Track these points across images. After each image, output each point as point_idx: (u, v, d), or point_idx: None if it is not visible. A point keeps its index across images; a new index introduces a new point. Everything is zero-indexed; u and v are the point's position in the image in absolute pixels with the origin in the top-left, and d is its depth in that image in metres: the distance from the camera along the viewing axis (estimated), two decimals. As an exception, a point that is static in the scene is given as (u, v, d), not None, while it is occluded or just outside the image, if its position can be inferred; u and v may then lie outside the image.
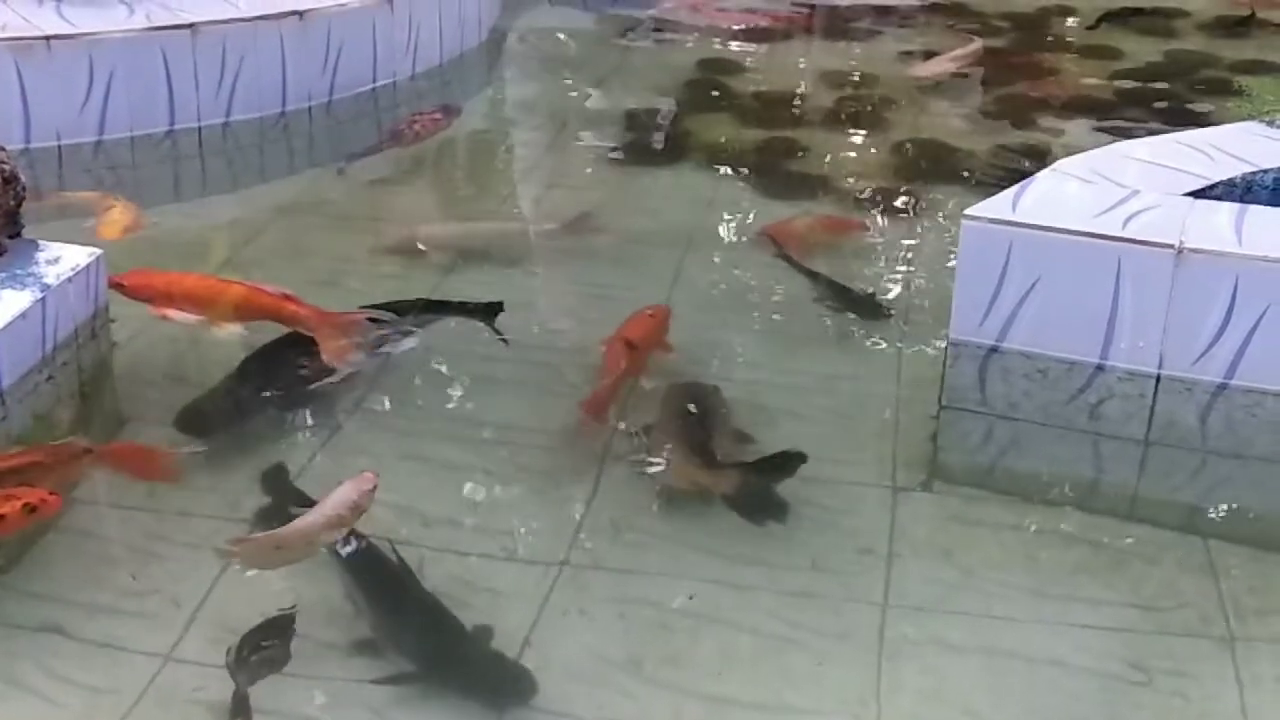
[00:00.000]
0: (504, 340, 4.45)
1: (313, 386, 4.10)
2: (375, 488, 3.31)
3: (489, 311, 4.53)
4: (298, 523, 3.29)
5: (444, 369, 4.37)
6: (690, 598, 3.32)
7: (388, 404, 4.15)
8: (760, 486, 3.69)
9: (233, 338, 4.26)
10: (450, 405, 4.18)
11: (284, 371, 4.14)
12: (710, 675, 3.11)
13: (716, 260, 5.21)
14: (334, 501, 3.28)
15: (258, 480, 3.68)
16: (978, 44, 7.53)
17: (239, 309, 4.21)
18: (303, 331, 4.18)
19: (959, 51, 7.40)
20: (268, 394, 4.06)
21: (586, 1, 8.52)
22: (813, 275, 4.94)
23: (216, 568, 3.35)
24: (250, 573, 3.34)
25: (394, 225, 5.33)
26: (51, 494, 3.22)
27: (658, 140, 6.43)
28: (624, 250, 5.35)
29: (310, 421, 4.01)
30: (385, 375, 4.28)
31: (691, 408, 4.00)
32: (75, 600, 3.25)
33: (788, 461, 3.75)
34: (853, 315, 4.71)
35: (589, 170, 6.17)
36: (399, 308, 4.48)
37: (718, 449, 3.82)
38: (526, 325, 4.67)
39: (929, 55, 7.57)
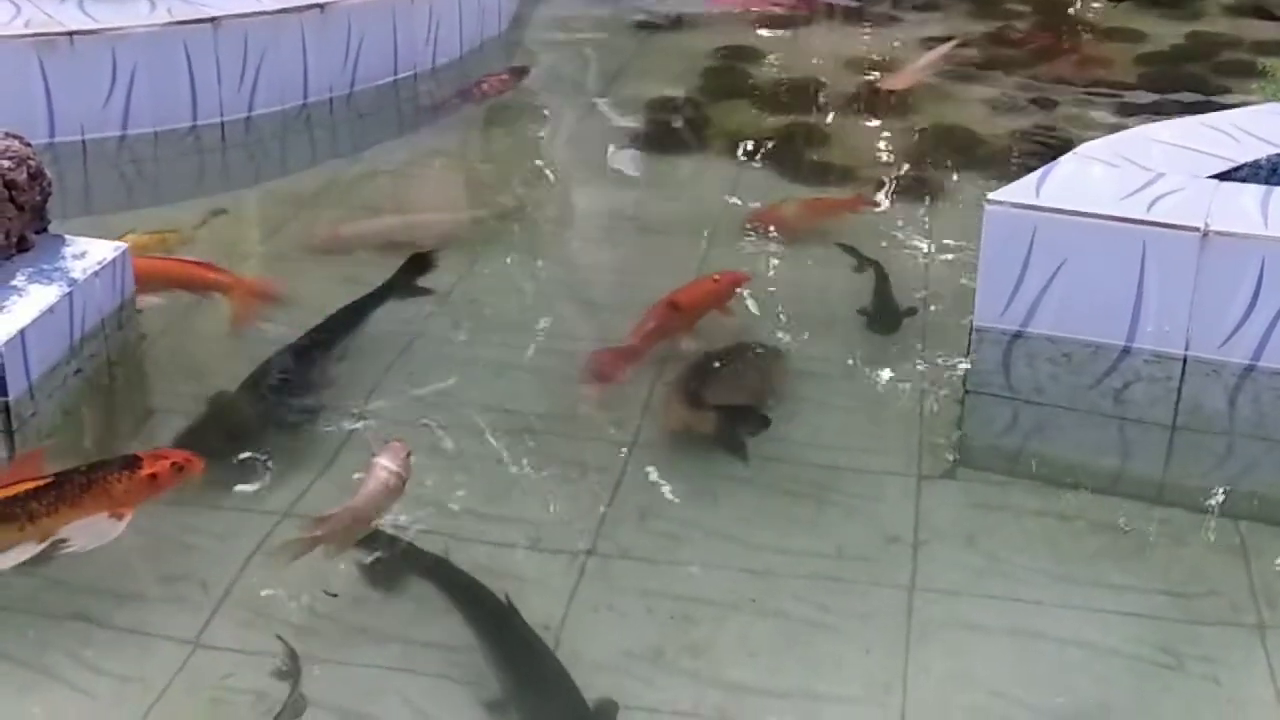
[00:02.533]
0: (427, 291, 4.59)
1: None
2: (410, 452, 3.40)
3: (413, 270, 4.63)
4: (363, 495, 3.31)
5: (463, 357, 4.38)
6: (752, 600, 3.29)
7: (408, 394, 4.16)
8: (732, 428, 3.90)
9: (151, 307, 4.34)
10: (471, 394, 4.18)
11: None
12: (737, 662, 3.11)
13: (739, 247, 5.20)
14: (380, 472, 3.34)
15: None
16: (947, 47, 7.24)
17: (152, 279, 4.34)
18: (216, 294, 4.39)
19: (930, 58, 7.09)
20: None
21: None
22: (873, 266, 4.83)
23: (244, 557, 3.37)
24: (279, 562, 3.35)
25: (322, 224, 5.24)
26: (195, 454, 3.44)
27: (679, 128, 6.42)
28: (647, 238, 5.36)
29: (333, 414, 4.02)
30: (403, 365, 4.29)
31: (718, 363, 4.16)
32: (105, 589, 3.28)
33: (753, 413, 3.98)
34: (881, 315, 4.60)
35: (609, 159, 6.17)
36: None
37: (712, 396, 3.98)
38: (547, 313, 4.68)
39: (930, 42, 7.50)
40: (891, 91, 6.65)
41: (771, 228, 5.23)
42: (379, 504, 3.32)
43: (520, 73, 6.97)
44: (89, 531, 3.22)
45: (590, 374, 4.14)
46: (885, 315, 4.56)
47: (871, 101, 6.71)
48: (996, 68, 7.24)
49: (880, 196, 5.64)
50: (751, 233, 5.23)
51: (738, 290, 4.62)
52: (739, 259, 5.05)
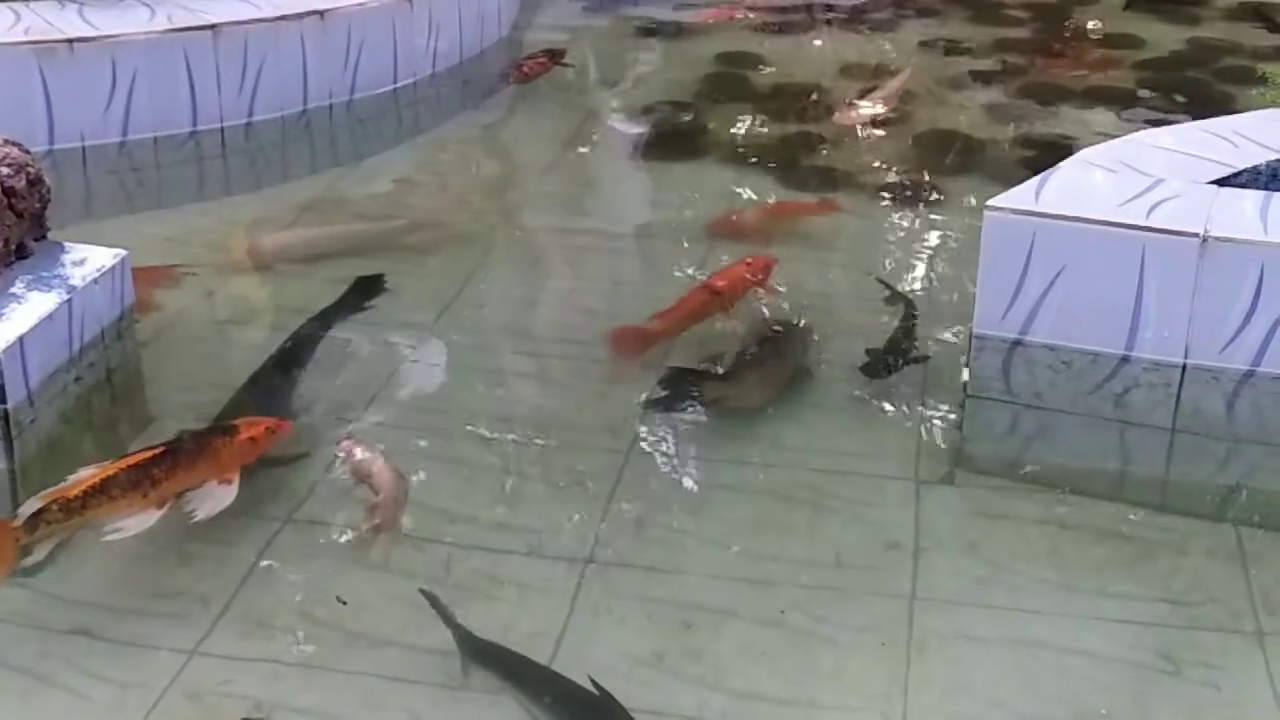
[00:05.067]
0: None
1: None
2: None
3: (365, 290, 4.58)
4: (385, 480, 3.50)
5: (463, 365, 4.38)
6: (781, 612, 3.28)
7: (406, 401, 4.16)
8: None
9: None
10: (470, 401, 4.18)
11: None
12: (736, 671, 3.11)
13: (739, 253, 5.19)
14: (378, 461, 3.56)
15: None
16: (900, 79, 6.92)
17: None
18: None
19: (887, 90, 6.79)
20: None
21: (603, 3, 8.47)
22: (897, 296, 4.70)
23: (245, 567, 3.37)
24: (278, 571, 3.37)
25: (239, 236, 5.14)
26: (282, 419, 3.65)
27: (677, 134, 6.42)
28: (646, 244, 5.36)
29: (332, 420, 4.01)
30: (404, 372, 4.29)
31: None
32: (103, 603, 3.28)
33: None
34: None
35: (608, 165, 6.17)
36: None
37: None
38: (547, 321, 4.68)
39: (925, 47, 7.51)
40: (846, 127, 6.40)
41: (735, 232, 5.23)
42: (402, 485, 3.50)
43: (557, 55, 7.11)
44: (207, 497, 3.37)
45: (613, 348, 4.25)
46: (888, 360, 4.30)
47: (873, 106, 6.70)
48: (995, 73, 7.25)
49: (853, 199, 5.60)
50: (713, 238, 5.22)
51: (770, 272, 4.66)
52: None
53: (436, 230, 5.24)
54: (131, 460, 3.30)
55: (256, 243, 5.09)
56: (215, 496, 3.38)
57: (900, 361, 4.28)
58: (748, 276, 4.58)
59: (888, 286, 4.78)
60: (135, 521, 3.25)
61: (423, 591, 3.20)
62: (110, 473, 3.24)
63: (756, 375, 4.21)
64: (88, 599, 3.28)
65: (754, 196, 5.65)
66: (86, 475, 3.24)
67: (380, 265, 4.91)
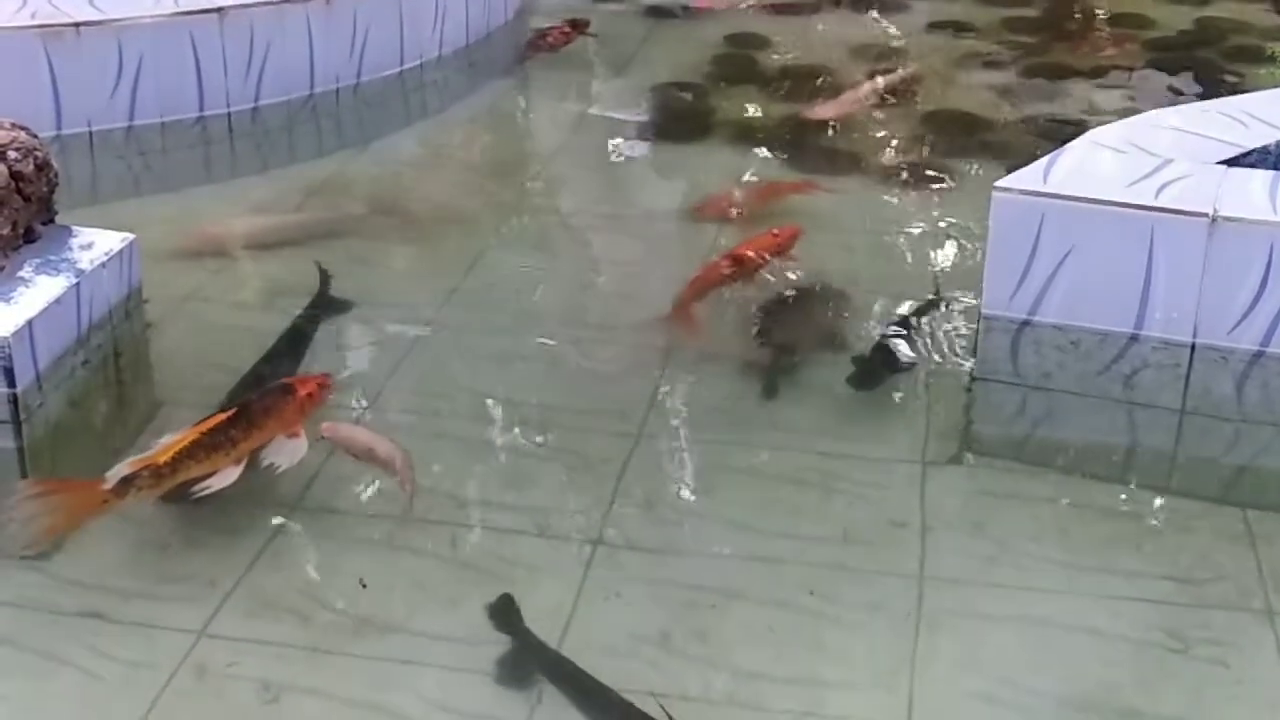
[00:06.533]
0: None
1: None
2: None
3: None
4: (381, 441, 3.63)
5: (471, 347, 4.39)
6: (811, 593, 3.28)
7: (414, 384, 4.17)
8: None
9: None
10: (479, 384, 4.18)
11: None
12: (744, 650, 3.11)
13: (750, 233, 5.18)
14: (363, 431, 3.71)
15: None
16: (868, 86, 6.64)
17: None
18: None
19: (857, 93, 6.58)
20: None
21: None
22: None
23: (253, 551, 3.38)
24: (285, 555, 3.38)
25: (190, 224, 5.06)
26: (325, 374, 3.81)
27: (685, 116, 6.41)
28: (653, 227, 5.35)
29: (338, 403, 4.02)
30: (411, 356, 4.29)
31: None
32: (114, 586, 3.29)
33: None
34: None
35: (616, 147, 6.16)
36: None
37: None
38: (555, 303, 4.68)
39: (934, 29, 7.47)
40: (820, 121, 6.23)
41: (719, 214, 5.24)
42: (393, 445, 3.61)
43: (580, 24, 7.23)
44: (281, 451, 3.51)
45: (675, 324, 4.40)
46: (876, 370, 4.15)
47: (882, 88, 6.67)
48: (1004, 54, 7.22)
49: (860, 181, 5.59)
50: (696, 221, 5.23)
51: (795, 241, 4.77)
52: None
53: (401, 216, 5.22)
54: (209, 424, 3.44)
55: (210, 229, 5.01)
56: (289, 449, 3.52)
57: (888, 371, 4.13)
58: (773, 245, 4.71)
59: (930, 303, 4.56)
60: (219, 479, 3.39)
61: (501, 595, 3.21)
62: (194, 437, 3.38)
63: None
64: (98, 582, 3.29)
65: (757, 178, 5.63)
66: (171, 441, 3.37)
67: (386, 248, 4.91)
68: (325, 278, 4.59)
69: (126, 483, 3.25)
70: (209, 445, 3.39)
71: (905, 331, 4.34)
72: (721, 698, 2.98)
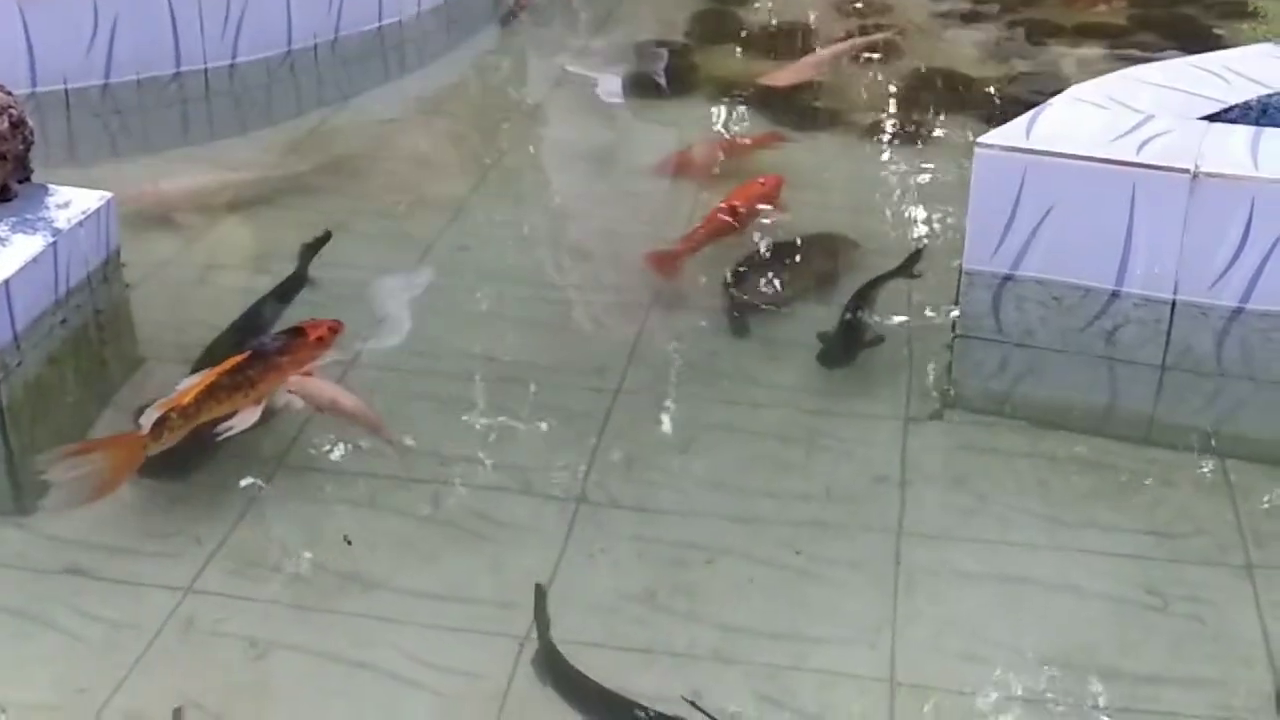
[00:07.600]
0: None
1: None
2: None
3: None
4: (343, 393, 3.66)
5: (448, 306, 4.37)
6: (797, 552, 3.28)
7: (393, 343, 4.15)
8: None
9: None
10: (458, 342, 4.17)
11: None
12: (727, 606, 3.13)
13: (724, 189, 5.17)
14: (326, 385, 3.68)
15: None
16: (842, 46, 6.61)
17: None
18: None
19: (821, 55, 6.51)
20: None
21: None
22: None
23: (238, 508, 3.38)
24: (270, 513, 3.37)
25: (133, 184, 4.82)
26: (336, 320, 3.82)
27: (667, 73, 6.38)
28: (635, 185, 5.33)
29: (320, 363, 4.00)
30: (388, 315, 4.28)
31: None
32: (97, 543, 3.28)
33: None
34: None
35: (596, 103, 6.13)
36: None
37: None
38: (538, 263, 4.67)
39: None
40: (775, 89, 6.07)
41: (683, 170, 5.26)
42: (354, 397, 3.67)
43: None
44: (300, 392, 3.61)
45: (652, 269, 4.44)
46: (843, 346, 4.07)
47: (865, 45, 6.64)
48: (987, 11, 7.19)
49: (841, 137, 5.60)
50: (663, 178, 5.25)
51: (780, 190, 4.84)
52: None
53: (349, 171, 5.20)
54: (227, 366, 3.49)
55: (155, 189, 4.90)
56: (308, 391, 3.61)
57: (855, 348, 4.03)
58: (762, 195, 4.76)
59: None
60: (241, 419, 3.45)
61: (538, 587, 3.13)
62: (214, 378, 3.44)
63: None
64: (81, 538, 3.28)
65: (726, 133, 5.63)
66: (192, 383, 3.43)
67: (360, 205, 4.87)
68: (320, 240, 4.54)
69: (160, 425, 3.31)
70: (229, 385, 3.45)
71: (874, 297, 4.24)
72: (707, 653, 2.99)
